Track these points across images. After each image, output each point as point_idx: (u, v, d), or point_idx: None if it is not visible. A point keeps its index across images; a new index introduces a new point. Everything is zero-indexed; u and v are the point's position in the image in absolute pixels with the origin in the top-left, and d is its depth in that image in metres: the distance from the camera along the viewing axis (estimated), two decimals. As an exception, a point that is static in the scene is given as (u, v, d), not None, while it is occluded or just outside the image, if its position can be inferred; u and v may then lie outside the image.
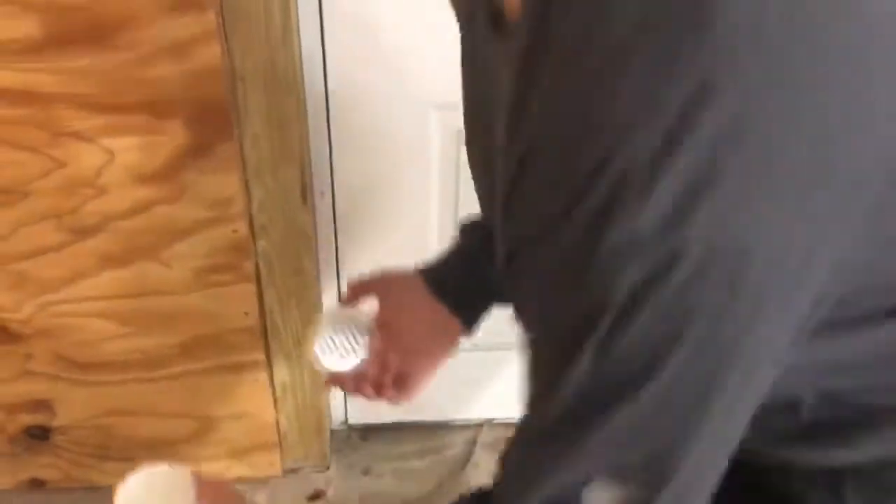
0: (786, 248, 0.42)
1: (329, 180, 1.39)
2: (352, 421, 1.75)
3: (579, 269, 0.43)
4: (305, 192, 1.30)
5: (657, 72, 0.39)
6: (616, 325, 0.43)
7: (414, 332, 0.81)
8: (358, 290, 0.87)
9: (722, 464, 0.52)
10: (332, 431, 1.71)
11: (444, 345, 0.81)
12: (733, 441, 0.51)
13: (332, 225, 1.44)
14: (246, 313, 1.41)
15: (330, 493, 1.64)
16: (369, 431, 1.75)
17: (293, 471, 1.67)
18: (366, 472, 1.68)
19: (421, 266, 0.85)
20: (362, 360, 0.77)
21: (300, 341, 1.47)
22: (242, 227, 1.30)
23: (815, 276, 0.44)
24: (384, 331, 0.82)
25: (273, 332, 1.45)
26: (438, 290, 0.82)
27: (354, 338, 0.77)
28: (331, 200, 1.41)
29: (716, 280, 0.41)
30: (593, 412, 0.47)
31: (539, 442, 0.54)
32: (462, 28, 0.66)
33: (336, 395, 1.69)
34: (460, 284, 0.83)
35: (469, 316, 0.82)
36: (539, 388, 0.53)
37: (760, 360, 0.47)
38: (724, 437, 0.51)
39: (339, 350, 0.76)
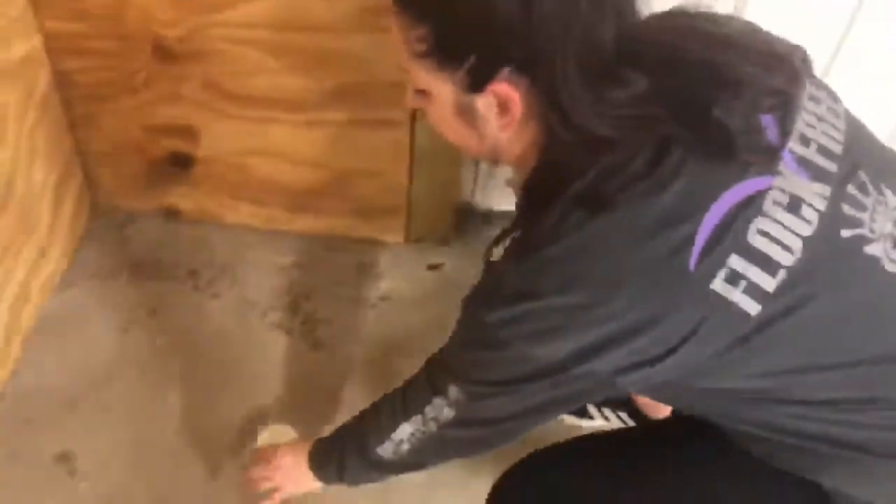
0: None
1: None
2: (477, 203, 1.74)
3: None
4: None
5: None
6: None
7: None
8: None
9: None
10: (458, 209, 1.71)
11: None
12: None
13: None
14: (399, 66, 1.36)
15: (448, 266, 1.66)
16: (493, 216, 1.74)
17: (415, 240, 1.69)
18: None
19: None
20: None
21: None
22: (414, -33, 1.23)
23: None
24: None
25: (422, 92, 1.41)
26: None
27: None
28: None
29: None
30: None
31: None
32: None
33: (466, 174, 1.67)
34: None
35: None
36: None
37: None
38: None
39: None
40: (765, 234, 0.71)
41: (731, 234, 0.70)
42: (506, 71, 0.72)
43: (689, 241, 0.70)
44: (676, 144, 0.72)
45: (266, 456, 1.15)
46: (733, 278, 0.70)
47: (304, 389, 1.43)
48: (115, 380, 1.41)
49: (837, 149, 0.77)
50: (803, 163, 0.75)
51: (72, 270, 1.57)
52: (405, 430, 0.92)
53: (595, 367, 0.74)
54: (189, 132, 1.51)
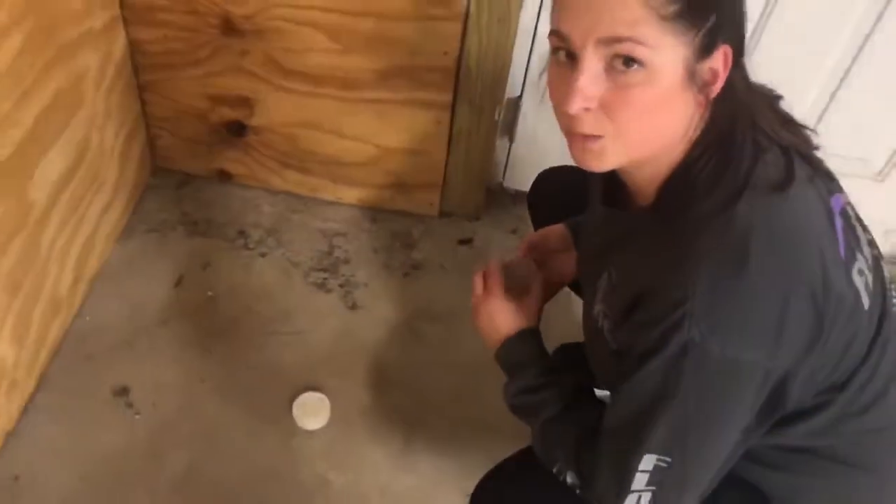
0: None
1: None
2: (507, 184, 1.85)
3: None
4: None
5: None
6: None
7: (558, 262, 1.15)
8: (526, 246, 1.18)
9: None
10: (489, 189, 1.81)
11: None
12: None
13: (543, -18, 1.45)
14: (445, 52, 1.47)
15: (477, 241, 1.78)
16: (521, 196, 1.85)
17: (448, 215, 1.81)
18: (513, 231, 1.80)
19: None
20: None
21: (487, 93, 1.54)
22: (465, -37, 1.34)
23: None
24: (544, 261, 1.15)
25: (465, 77, 1.52)
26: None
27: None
28: (548, -45, 1.42)
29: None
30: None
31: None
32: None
33: (499, 155, 1.77)
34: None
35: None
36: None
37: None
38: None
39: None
40: (859, 239, 0.83)
41: (851, 233, 0.81)
42: (730, 32, 0.74)
43: (834, 233, 0.78)
44: (793, 151, 0.80)
45: (492, 292, 1.03)
46: (860, 272, 0.80)
47: (340, 345, 1.55)
48: (169, 324, 1.54)
49: None
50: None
51: (132, 224, 1.70)
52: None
53: (785, 355, 0.74)
54: (246, 102, 1.63)
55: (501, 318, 1.01)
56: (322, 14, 1.44)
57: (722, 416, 0.76)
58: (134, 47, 1.56)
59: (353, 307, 1.61)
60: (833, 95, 1.55)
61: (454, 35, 1.44)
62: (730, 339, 0.71)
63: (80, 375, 1.45)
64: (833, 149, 1.69)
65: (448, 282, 1.67)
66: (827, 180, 0.83)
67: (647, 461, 0.78)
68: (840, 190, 0.85)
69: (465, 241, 1.78)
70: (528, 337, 1.00)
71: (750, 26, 1.42)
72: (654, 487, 0.79)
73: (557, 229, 1.18)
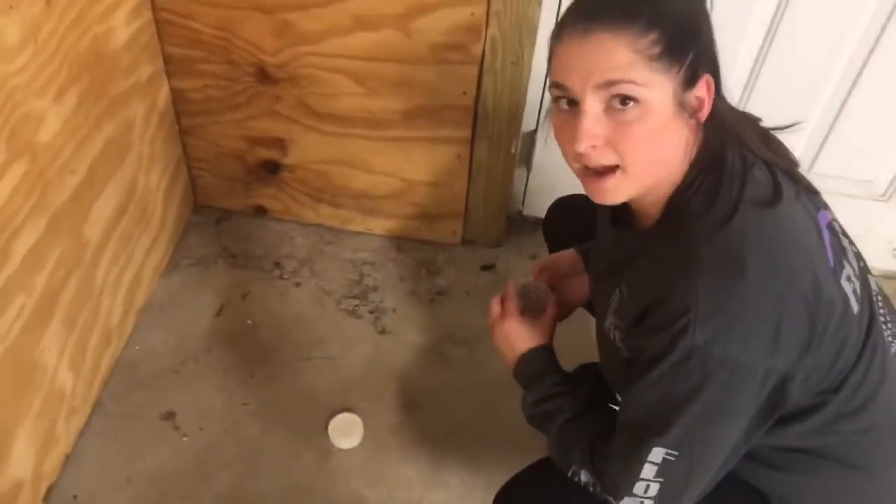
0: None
1: (561, -20, 1.49)
2: (526, 212, 1.94)
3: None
4: (543, -14, 1.41)
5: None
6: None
7: (571, 285, 1.24)
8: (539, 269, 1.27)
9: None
10: (509, 217, 1.91)
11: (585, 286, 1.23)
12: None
13: (554, 19, 1.54)
14: (464, 93, 1.58)
15: (499, 267, 1.87)
16: (539, 223, 1.93)
17: (470, 242, 1.90)
18: (533, 256, 1.89)
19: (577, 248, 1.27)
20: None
21: (504, 128, 1.64)
22: (480, 12, 1.44)
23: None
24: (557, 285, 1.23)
25: (482, 115, 1.62)
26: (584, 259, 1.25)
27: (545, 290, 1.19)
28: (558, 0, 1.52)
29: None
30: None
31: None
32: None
33: (517, 185, 1.87)
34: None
35: None
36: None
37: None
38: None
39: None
40: (845, 250, 0.90)
41: (837, 243, 0.88)
42: (707, 63, 0.83)
43: (822, 242, 0.86)
44: (777, 169, 0.88)
45: (507, 315, 1.12)
46: (848, 279, 0.87)
47: (371, 368, 1.64)
48: (212, 352, 1.65)
49: None
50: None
51: (176, 258, 1.82)
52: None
53: (783, 358, 0.81)
54: (280, 143, 1.74)
55: (517, 337, 1.10)
56: (349, 61, 1.55)
57: (725, 415, 0.83)
58: (176, 96, 1.69)
59: (383, 332, 1.71)
60: (836, 118, 1.62)
61: (471, 77, 1.55)
62: (731, 343, 0.78)
63: (130, 401, 1.56)
64: (839, 171, 1.77)
65: (472, 306, 1.77)
66: (812, 196, 0.91)
67: (657, 454, 0.85)
68: (825, 206, 0.93)
69: (488, 267, 1.87)
70: (543, 353, 1.08)
71: (752, 53, 1.50)
72: (661, 479, 0.86)
73: (568, 254, 1.27)
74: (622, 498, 0.89)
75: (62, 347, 1.37)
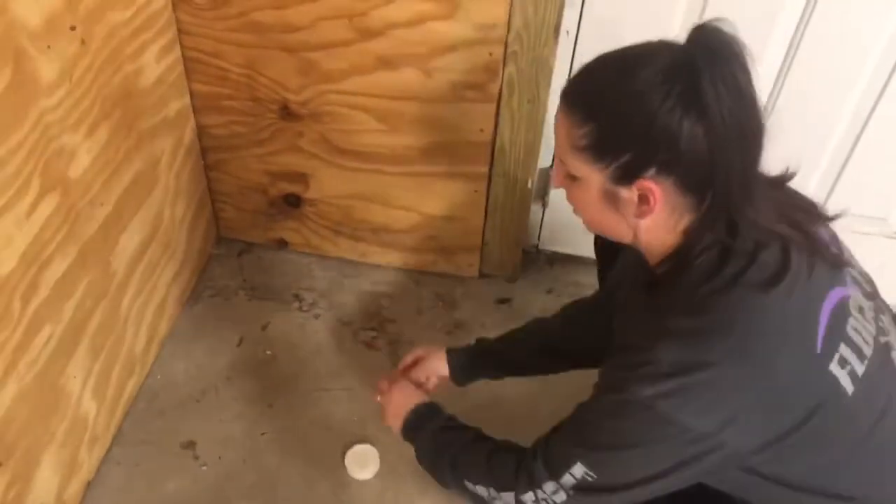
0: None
1: (577, 21, 1.53)
2: (543, 246, 1.97)
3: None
4: (559, 27, 1.45)
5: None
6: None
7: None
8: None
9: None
10: (525, 251, 1.93)
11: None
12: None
13: (570, 62, 1.59)
14: (481, 130, 1.61)
15: (516, 301, 1.89)
16: (556, 258, 1.97)
17: (487, 276, 1.93)
18: (549, 290, 1.91)
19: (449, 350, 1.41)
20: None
21: (520, 164, 1.67)
22: (497, 52, 1.48)
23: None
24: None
25: (499, 151, 1.66)
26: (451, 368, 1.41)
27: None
28: (574, 40, 1.56)
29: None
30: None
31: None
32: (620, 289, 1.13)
33: (534, 220, 1.90)
34: (463, 367, 1.41)
35: (460, 381, 1.43)
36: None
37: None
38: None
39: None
40: (856, 330, 0.90)
41: (837, 327, 0.88)
42: (653, 170, 0.84)
43: (815, 328, 0.86)
44: (793, 246, 0.88)
45: (394, 385, 1.31)
46: (842, 362, 0.87)
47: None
48: (233, 382, 1.68)
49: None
50: (855, 280, 0.96)
51: (198, 289, 1.86)
52: (510, 499, 1.02)
53: (733, 437, 0.84)
54: (302, 178, 1.79)
55: (403, 398, 1.25)
56: (370, 99, 1.60)
57: (646, 464, 0.89)
58: (202, 131, 1.74)
59: (400, 364, 1.73)
60: (849, 156, 1.64)
61: (489, 115, 1.58)
62: (675, 406, 0.84)
63: (151, 430, 1.58)
64: (852, 208, 1.78)
65: (488, 339, 1.78)
66: (830, 271, 0.91)
67: (578, 469, 0.92)
68: (842, 283, 0.92)
69: (504, 301, 1.89)
70: (428, 405, 1.23)
71: (767, 88, 1.53)
72: (572, 492, 0.94)
73: (435, 363, 1.41)
74: (532, 486, 0.97)
75: (86, 376, 1.40)
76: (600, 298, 1.32)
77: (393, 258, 1.92)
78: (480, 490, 1.06)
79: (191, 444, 1.56)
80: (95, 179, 1.34)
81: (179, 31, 1.56)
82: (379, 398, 1.33)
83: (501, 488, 1.03)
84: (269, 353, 1.74)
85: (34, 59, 1.12)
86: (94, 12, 1.26)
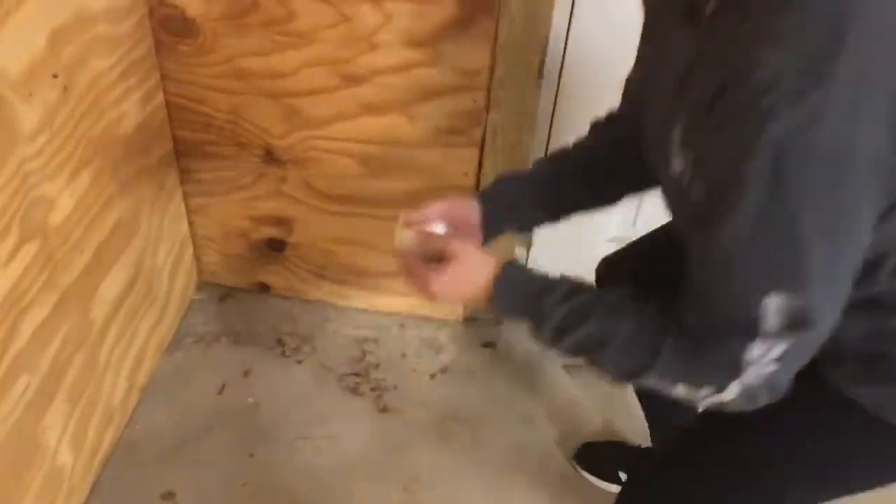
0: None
1: (559, 64, 1.54)
2: (527, 289, 1.96)
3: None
4: (542, 73, 1.47)
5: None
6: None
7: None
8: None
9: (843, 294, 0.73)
10: (510, 294, 1.92)
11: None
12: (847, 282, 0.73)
13: (552, 107, 1.60)
14: (465, 174, 1.62)
15: (500, 345, 1.88)
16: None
17: (472, 320, 1.92)
18: (534, 333, 1.90)
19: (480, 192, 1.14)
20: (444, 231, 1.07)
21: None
22: (481, 98, 1.49)
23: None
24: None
25: (483, 195, 1.66)
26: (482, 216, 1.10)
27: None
28: (556, 83, 1.57)
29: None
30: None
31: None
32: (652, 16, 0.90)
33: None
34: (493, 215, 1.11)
35: (487, 237, 1.11)
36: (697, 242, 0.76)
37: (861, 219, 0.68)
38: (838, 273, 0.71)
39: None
40: None
41: None
42: None
43: None
44: None
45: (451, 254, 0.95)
46: None
47: (372, 447, 1.64)
48: (213, 431, 1.65)
49: None
50: None
51: (179, 336, 1.83)
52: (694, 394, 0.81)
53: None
54: (285, 222, 1.78)
55: (469, 267, 0.93)
56: (354, 144, 1.60)
57: (847, 216, 0.68)
58: (184, 176, 1.73)
59: (384, 410, 1.71)
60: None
61: (473, 159, 1.59)
62: (827, 121, 0.63)
63: (130, 482, 1.54)
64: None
65: (474, 384, 1.77)
66: None
67: (774, 300, 0.70)
68: None
69: (489, 345, 1.88)
70: (516, 267, 0.92)
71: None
72: (787, 329, 0.72)
73: (466, 205, 1.11)
74: (739, 374, 0.75)
75: (64, 426, 1.37)
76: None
77: (377, 302, 1.91)
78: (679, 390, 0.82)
79: (170, 495, 1.53)
80: (76, 227, 1.33)
81: (163, 77, 1.56)
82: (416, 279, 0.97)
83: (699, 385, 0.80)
84: (251, 400, 1.71)
85: (15, 108, 1.11)
86: (77, 59, 1.26)
